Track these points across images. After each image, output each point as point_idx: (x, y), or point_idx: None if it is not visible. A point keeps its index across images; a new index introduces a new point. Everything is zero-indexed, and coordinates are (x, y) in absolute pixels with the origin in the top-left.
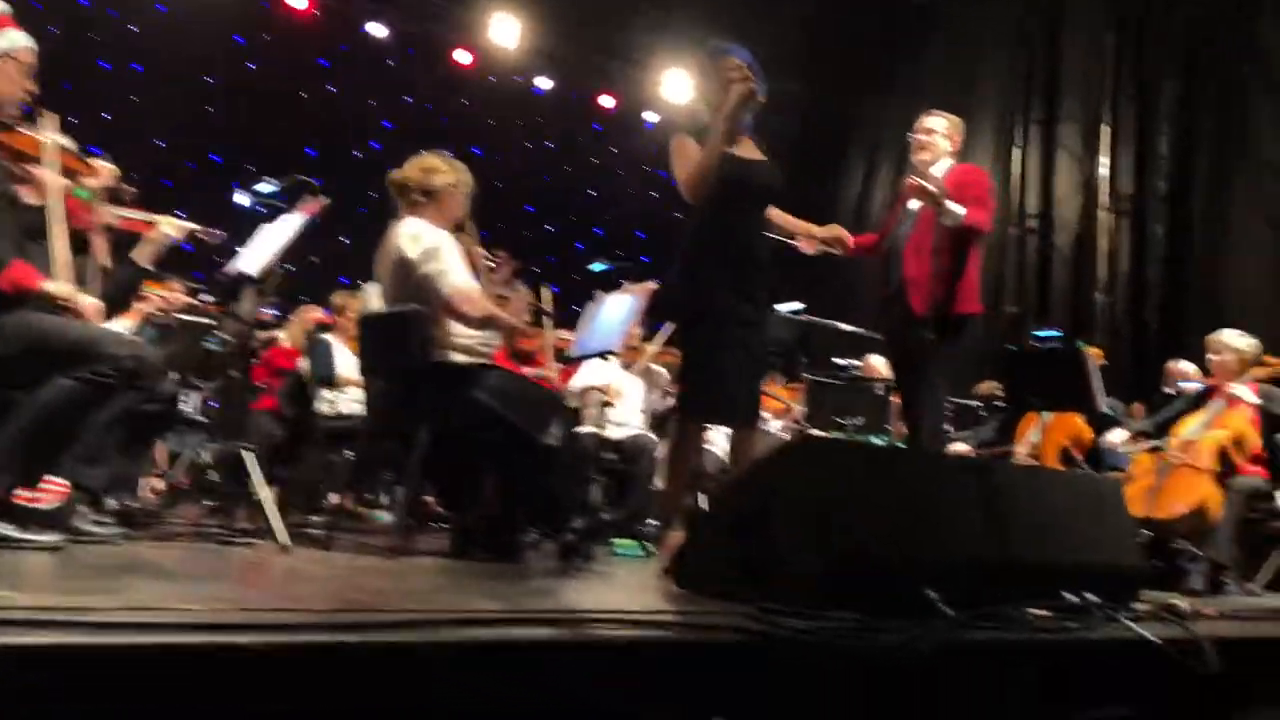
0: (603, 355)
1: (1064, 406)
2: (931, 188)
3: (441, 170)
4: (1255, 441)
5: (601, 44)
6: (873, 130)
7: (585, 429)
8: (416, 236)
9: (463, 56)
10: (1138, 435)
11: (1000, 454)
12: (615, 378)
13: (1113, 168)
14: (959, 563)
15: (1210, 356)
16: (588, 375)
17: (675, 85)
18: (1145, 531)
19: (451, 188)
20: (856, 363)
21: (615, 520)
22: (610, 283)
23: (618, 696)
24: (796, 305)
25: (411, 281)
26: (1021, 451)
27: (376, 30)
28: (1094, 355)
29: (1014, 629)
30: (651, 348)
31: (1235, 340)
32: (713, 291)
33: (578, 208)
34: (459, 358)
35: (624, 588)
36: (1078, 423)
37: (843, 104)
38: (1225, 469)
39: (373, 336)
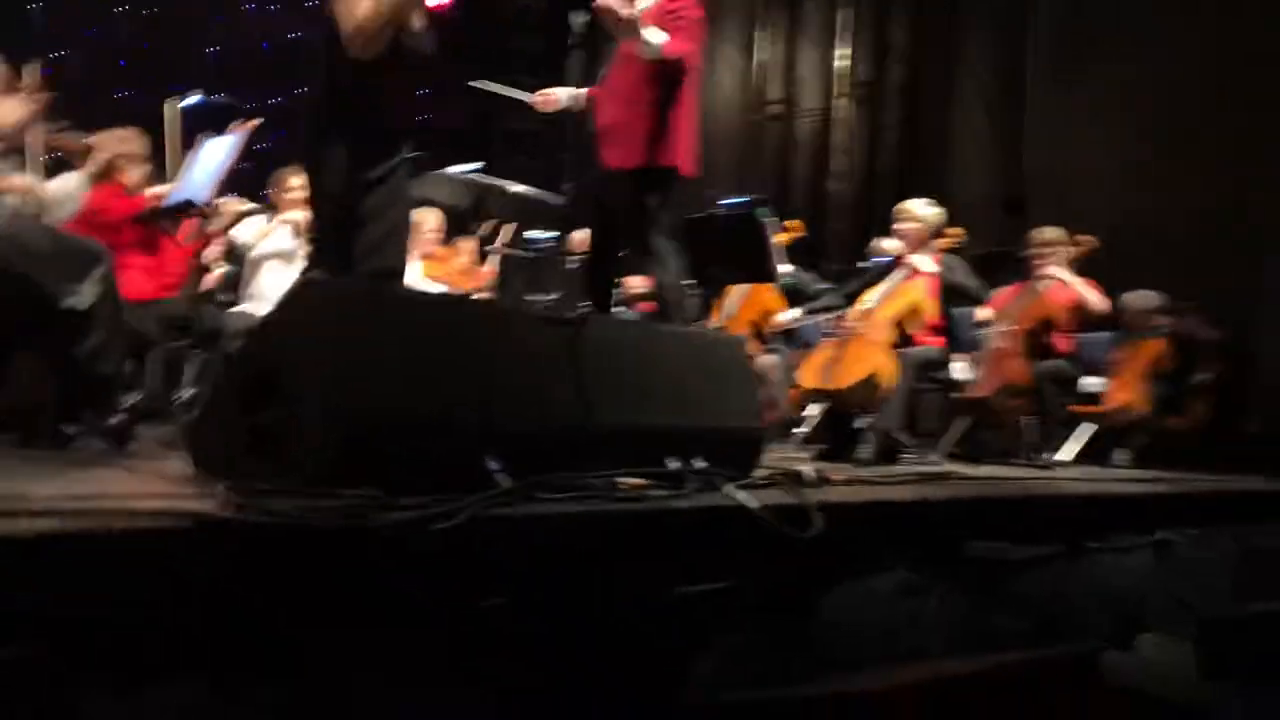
0: (189, 206)
1: (741, 277)
2: (619, 9)
3: None
4: (932, 311)
5: None
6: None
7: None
8: None
9: None
10: (818, 309)
11: None
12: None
13: (853, 56)
14: (533, 429)
15: (896, 226)
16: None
17: None
18: (819, 402)
19: None
20: (552, 234)
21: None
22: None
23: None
24: (471, 166)
25: None
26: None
27: None
28: (792, 228)
29: (588, 500)
30: None
31: (920, 209)
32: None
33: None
34: None
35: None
36: (768, 297)
37: None
38: (901, 339)
39: None
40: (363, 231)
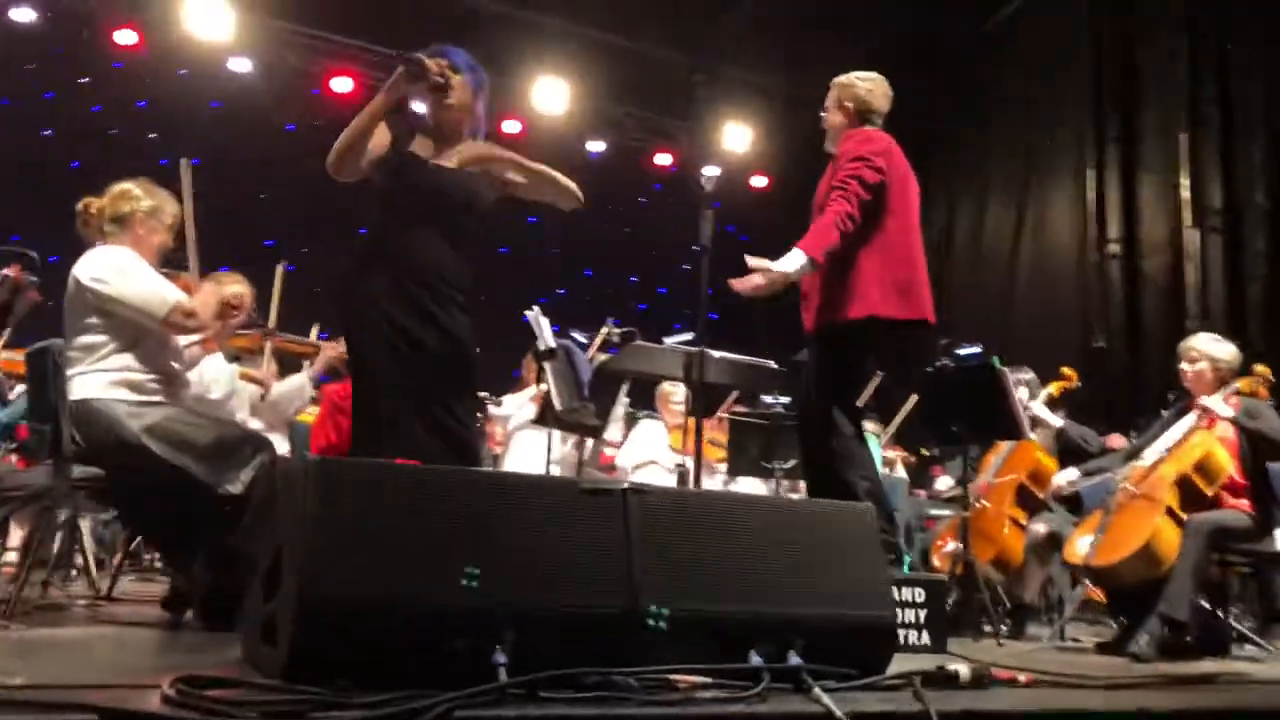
0: None
1: (984, 434)
2: (764, 280)
3: (135, 195)
4: (1230, 467)
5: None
6: (950, 163)
7: None
8: (95, 261)
9: (511, 126)
10: (1094, 470)
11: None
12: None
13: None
14: (565, 617)
15: (1183, 366)
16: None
17: (736, 138)
18: (1086, 583)
19: (147, 214)
20: (784, 399)
21: None
22: None
23: None
24: (683, 336)
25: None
26: (974, 491)
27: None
28: (1066, 376)
29: (607, 702)
30: None
31: (1209, 346)
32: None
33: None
34: (112, 394)
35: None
36: (1035, 455)
37: (918, 139)
38: (1189, 501)
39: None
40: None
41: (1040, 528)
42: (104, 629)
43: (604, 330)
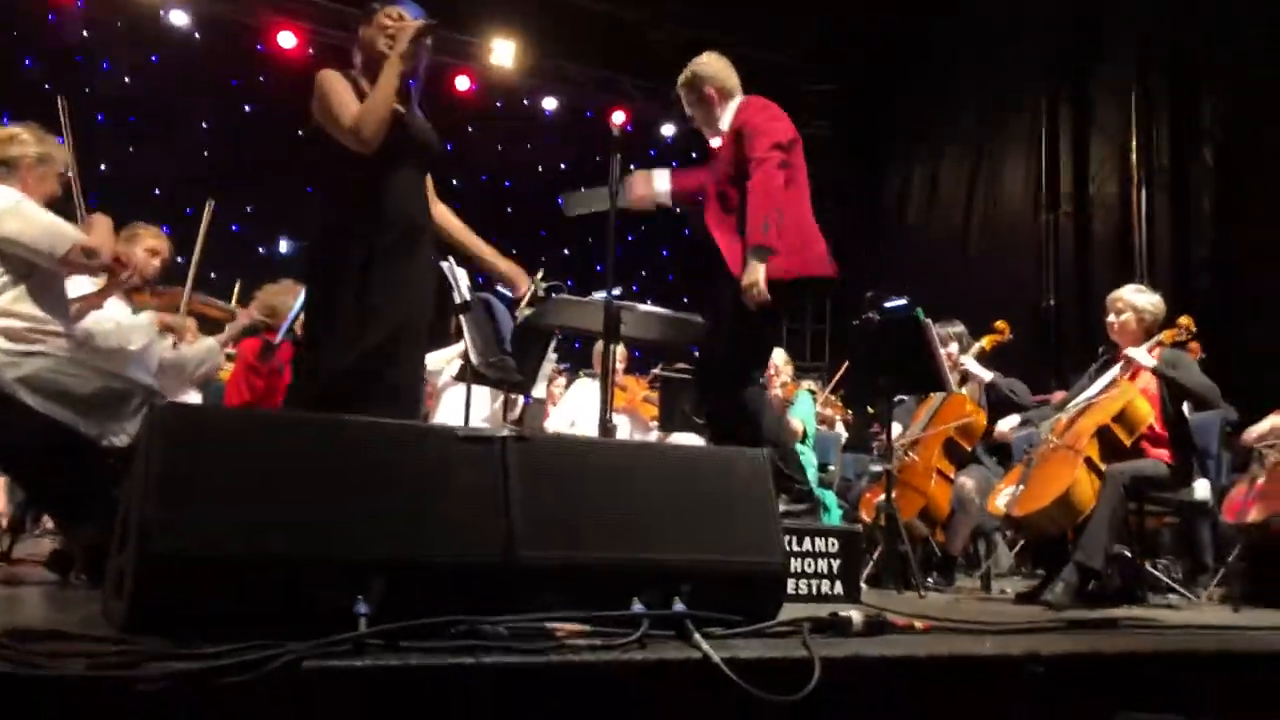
0: None
1: (909, 387)
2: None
3: (24, 140)
4: (1146, 416)
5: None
6: (906, 123)
7: None
8: None
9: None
10: (1032, 420)
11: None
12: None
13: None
14: (437, 566)
15: (1109, 318)
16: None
17: None
18: (1012, 533)
19: (35, 160)
20: None
21: None
22: None
23: None
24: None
25: None
26: (902, 444)
27: None
28: (998, 329)
29: (467, 652)
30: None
31: (1133, 297)
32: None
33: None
34: None
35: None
36: (965, 408)
37: (874, 99)
38: (1109, 451)
39: None
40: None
41: (967, 481)
42: None
43: (530, 283)
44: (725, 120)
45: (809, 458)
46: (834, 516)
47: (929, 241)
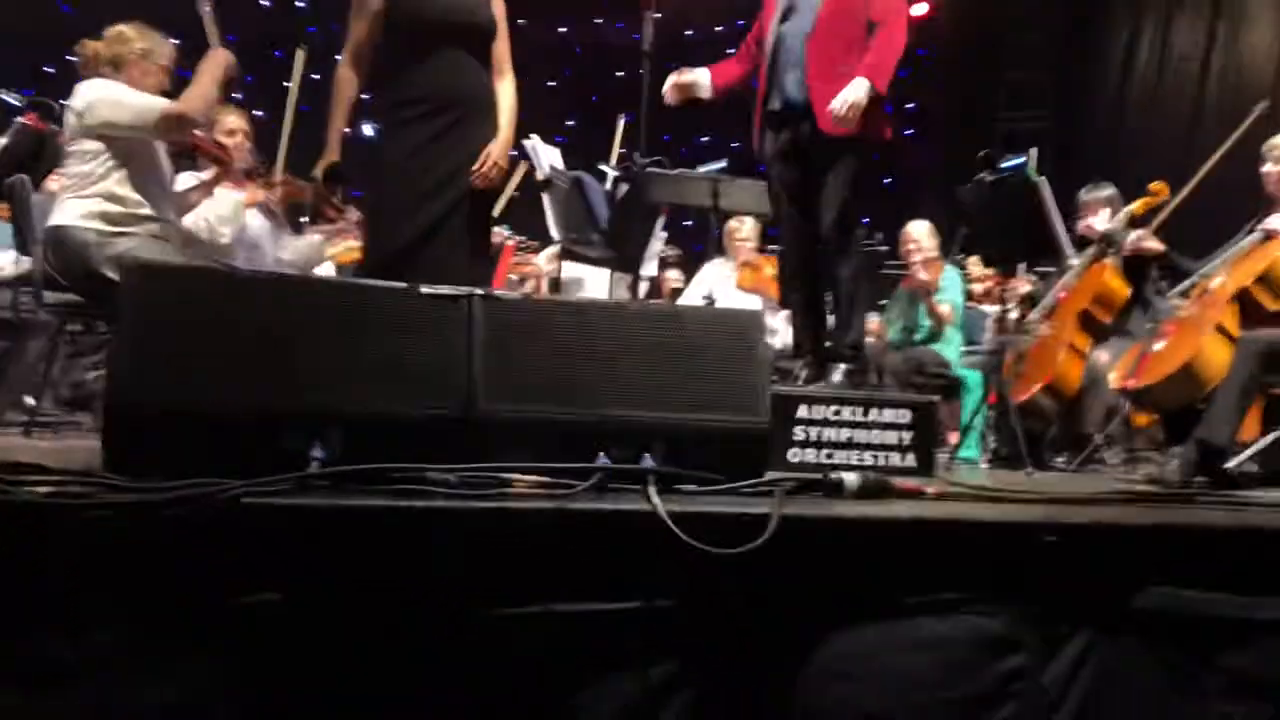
0: None
1: (1023, 253)
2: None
3: (129, 38)
4: None
5: None
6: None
7: None
8: (84, 91)
9: None
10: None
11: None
12: None
13: None
14: (397, 417)
15: (1266, 168)
16: None
17: None
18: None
19: (140, 56)
20: None
21: None
22: None
23: None
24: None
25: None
26: (1035, 317)
27: None
28: (1155, 191)
29: (416, 495)
30: None
31: None
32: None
33: None
34: (86, 223)
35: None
36: (1103, 277)
37: None
38: (1251, 318)
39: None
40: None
41: (1102, 354)
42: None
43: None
44: None
45: (955, 339)
46: (975, 398)
47: (1156, 104)
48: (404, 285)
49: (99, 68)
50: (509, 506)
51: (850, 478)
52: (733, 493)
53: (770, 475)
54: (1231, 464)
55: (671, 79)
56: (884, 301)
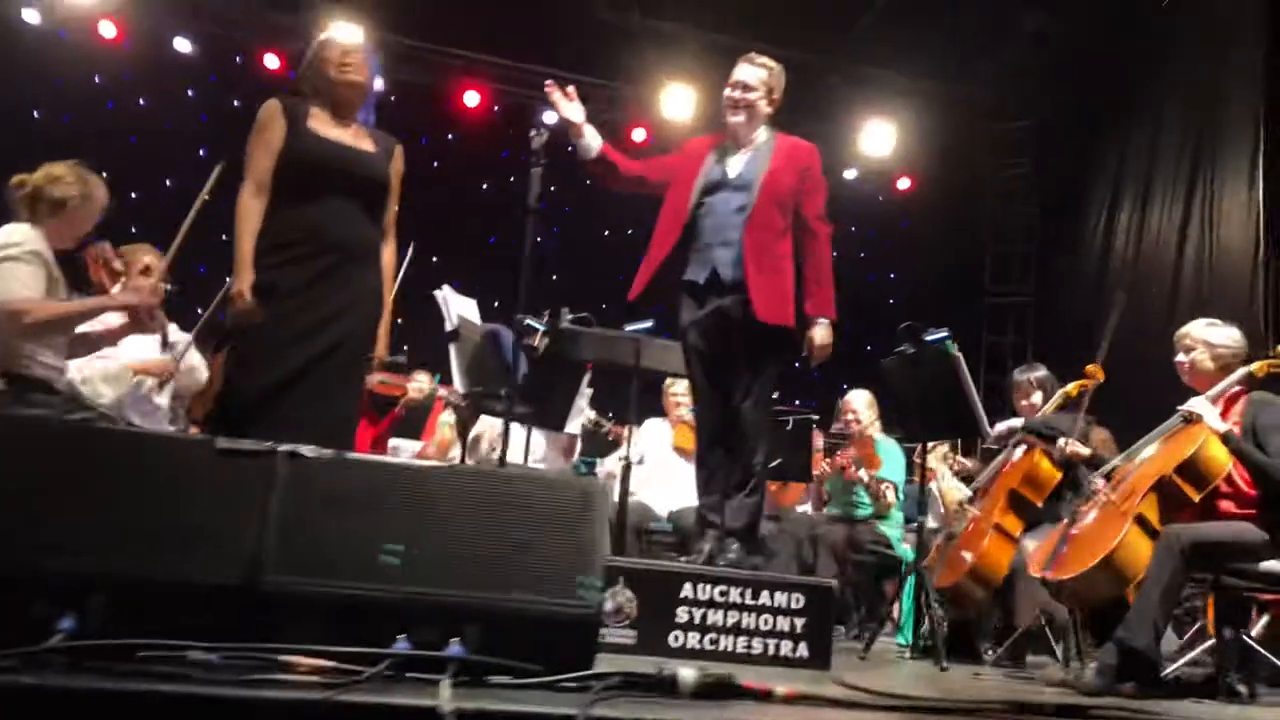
0: None
1: (941, 430)
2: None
3: (66, 181)
4: (1223, 465)
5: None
6: (1114, 157)
7: None
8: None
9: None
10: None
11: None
12: None
13: None
14: (180, 584)
15: (1178, 358)
16: None
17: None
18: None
19: (81, 200)
20: None
21: None
22: None
23: None
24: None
25: None
26: (960, 500)
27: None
28: (1089, 374)
29: (167, 679)
30: None
31: (1204, 331)
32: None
33: None
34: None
35: None
36: (1034, 458)
37: (1079, 132)
38: (1171, 508)
39: None
40: None
41: (1029, 542)
42: None
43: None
44: (762, 139)
45: (896, 516)
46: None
47: (1135, 283)
48: (197, 437)
49: (29, 203)
50: (264, 696)
51: (686, 673)
52: (549, 687)
53: (605, 668)
54: (1169, 671)
55: (567, 94)
56: (817, 472)
